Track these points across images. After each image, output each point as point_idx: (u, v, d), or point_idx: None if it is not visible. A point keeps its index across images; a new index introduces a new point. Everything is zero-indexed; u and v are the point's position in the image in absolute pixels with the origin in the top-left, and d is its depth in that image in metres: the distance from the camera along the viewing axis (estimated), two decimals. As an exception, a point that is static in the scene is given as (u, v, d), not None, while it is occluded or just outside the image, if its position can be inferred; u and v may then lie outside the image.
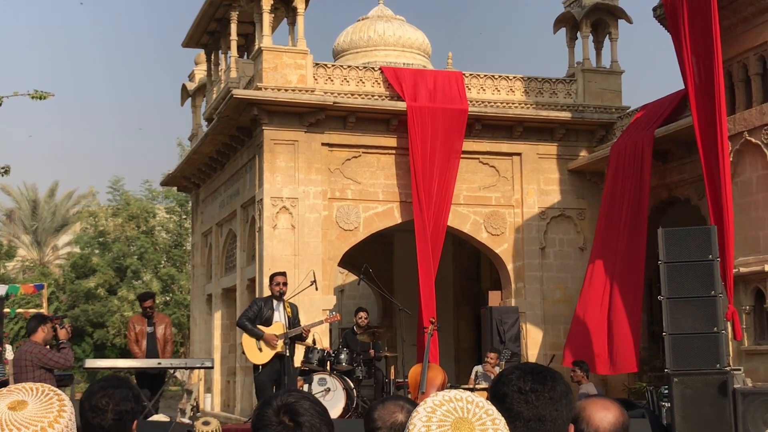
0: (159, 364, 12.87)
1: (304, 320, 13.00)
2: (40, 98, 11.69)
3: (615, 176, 17.40)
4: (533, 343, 18.93)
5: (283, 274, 12.87)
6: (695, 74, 14.54)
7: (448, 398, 2.31)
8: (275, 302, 12.48)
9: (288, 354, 12.24)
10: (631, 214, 16.68)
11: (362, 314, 15.06)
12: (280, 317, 12.39)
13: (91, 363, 13.54)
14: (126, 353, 24.86)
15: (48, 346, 10.56)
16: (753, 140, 14.64)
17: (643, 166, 16.75)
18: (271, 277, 12.76)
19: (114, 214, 38.26)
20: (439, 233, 18.00)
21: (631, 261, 16.36)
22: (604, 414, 3.09)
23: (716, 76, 14.27)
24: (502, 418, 2.33)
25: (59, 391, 2.47)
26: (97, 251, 37.86)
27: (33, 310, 23.70)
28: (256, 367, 12.42)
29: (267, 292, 13.48)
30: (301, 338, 12.62)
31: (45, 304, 27.44)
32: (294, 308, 12.70)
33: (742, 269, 14.64)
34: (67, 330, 10.69)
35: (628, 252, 16.43)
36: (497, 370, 15.35)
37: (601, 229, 17.38)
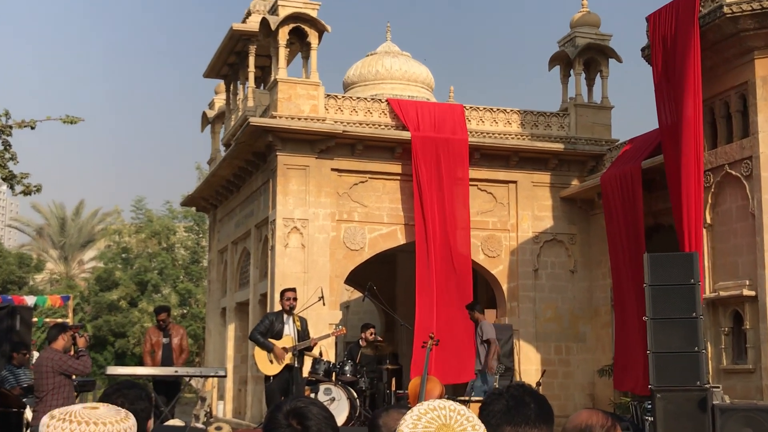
0: (175, 372, 12.85)
1: (312, 333, 12.98)
2: (71, 123, 11.75)
3: (610, 205, 17.38)
4: (525, 358, 18.86)
5: (293, 290, 12.87)
6: (683, 110, 14.57)
7: (433, 407, 2.37)
8: (285, 316, 12.47)
9: (297, 365, 12.22)
10: (630, 240, 16.64)
11: (372, 330, 15.05)
12: (289, 330, 12.38)
13: (112, 370, 13.52)
14: (145, 362, 24.75)
15: (72, 352, 10.53)
16: (733, 173, 14.64)
17: (635, 196, 16.75)
18: (282, 293, 12.75)
19: (137, 231, 38.33)
20: (458, 257, 17.94)
21: (637, 283, 16.23)
22: (589, 414, 3.13)
23: (697, 113, 14.33)
24: (483, 426, 2.37)
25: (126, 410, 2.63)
26: (120, 266, 37.90)
27: (59, 320, 23.67)
28: (267, 377, 12.39)
29: (278, 307, 13.47)
30: (309, 349, 12.60)
31: (70, 315, 27.40)
32: (303, 322, 12.68)
33: (722, 293, 14.60)
34: (85, 339, 10.66)
35: (633, 275, 16.31)
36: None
37: (612, 254, 17.33)
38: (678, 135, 14.70)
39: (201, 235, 38.39)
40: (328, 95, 18.62)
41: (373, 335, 14.97)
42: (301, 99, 18.13)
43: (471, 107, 19.52)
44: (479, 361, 14.81)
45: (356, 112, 18.69)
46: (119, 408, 2.56)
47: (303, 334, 12.44)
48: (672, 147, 14.95)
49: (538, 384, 15.13)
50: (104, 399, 3.39)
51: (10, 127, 12.25)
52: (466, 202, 18.28)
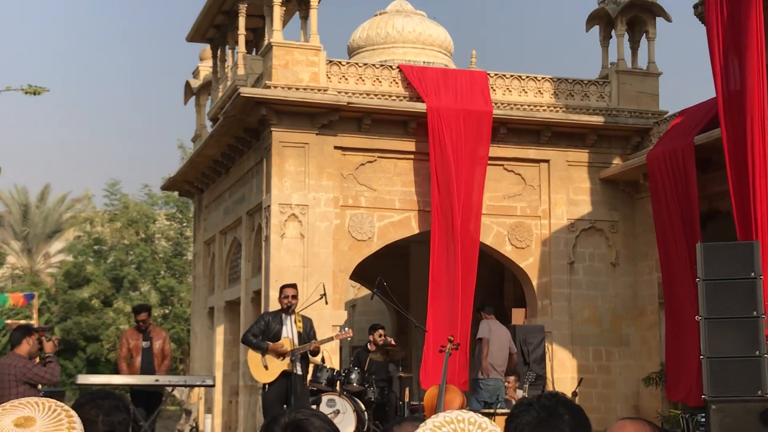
0: (156, 381, 12.91)
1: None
2: (34, 93, 11.78)
3: (658, 188, 17.31)
4: (559, 365, 18.87)
5: (293, 286, 12.89)
6: (744, 76, 14.48)
7: (450, 419, 2.38)
8: (284, 316, 12.49)
9: (300, 372, 12.25)
10: (683, 228, 16.58)
11: (381, 331, 15.10)
12: (288, 332, 12.40)
13: (84, 379, 13.60)
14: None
15: (37, 359, 10.58)
16: (801, 148, 14.56)
17: (687, 177, 16.68)
18: (281, 290, 12.79)
19: (111, 219, 38.39)
20: (469, 247, 17.92)
21: (690, 278, 16.16)
22: (636, 428, 3.13)
23: (761, 79, 14.24)
24: None
25: (66, 407, 2.49)
26: (91, 259, 38.00)
27: (23, 322, 23.79)
28: (263, 385, 12.44)
29: (273, 306, 13.51)
30: (313, 354, 12.62)
31: (35, 316, 27.54)
32: (307, 322, 12.68)
33: (788, 289, 14.53)
34: (54, 343, 10.71)
35: (686, 269, 16.24)
36: (519, 393, 15.33)
37: (661, 245, 17.28)
38: (739, 105, 14.62)
39: (185, 224, 38.48)
40: (331, 61, 18.61)
41: (382, 338, 15.01)
42: (299, 66, 18.12)
43: (496, 74, 19.48)
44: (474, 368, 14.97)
45: (363, 80, 18.67)
46: (60, 415, 2.48)
47: (306, 336, 12.44)
48: (731, 119, 14.86)
49: (575, 394, 15.17)
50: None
51: (-35, 99, 12.28)
52: (482, 185, 18.22)
